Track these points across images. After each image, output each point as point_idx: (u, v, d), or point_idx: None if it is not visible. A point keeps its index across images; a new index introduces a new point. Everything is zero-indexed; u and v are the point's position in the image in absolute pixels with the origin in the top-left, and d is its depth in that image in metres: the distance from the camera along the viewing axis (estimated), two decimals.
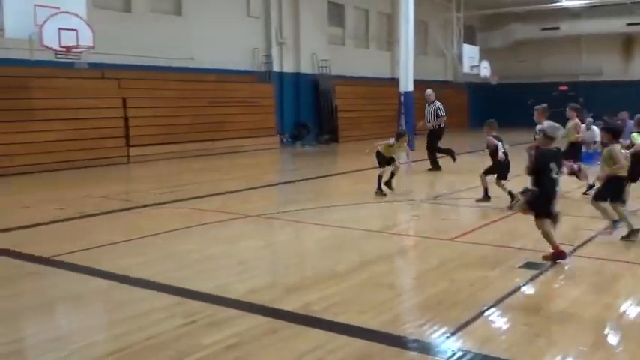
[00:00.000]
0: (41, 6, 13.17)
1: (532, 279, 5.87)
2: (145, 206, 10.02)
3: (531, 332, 4.54)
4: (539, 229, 6.35)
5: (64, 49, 13.64)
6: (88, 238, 7.77)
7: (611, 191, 7.26)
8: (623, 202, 7.49)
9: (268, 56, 22.38)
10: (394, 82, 23.28)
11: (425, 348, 4.30)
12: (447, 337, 4.44)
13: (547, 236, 6.35)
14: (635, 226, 7.22)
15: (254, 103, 20.79)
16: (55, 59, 14.03)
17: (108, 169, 15.20)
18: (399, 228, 8.57)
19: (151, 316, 4.91)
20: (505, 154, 9.58)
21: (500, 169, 9.62)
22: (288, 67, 23.30)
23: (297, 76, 23.54)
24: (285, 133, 22.90)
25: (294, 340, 4.43)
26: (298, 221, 8.78)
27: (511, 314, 5.00)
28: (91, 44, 14.16)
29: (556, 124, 6.78)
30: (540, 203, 6.31)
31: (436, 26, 31.89)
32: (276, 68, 22.68)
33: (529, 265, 6.23)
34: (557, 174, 6.38)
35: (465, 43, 31.03)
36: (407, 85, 20.05)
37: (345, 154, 20.23)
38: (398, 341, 4.38)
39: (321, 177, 13.77)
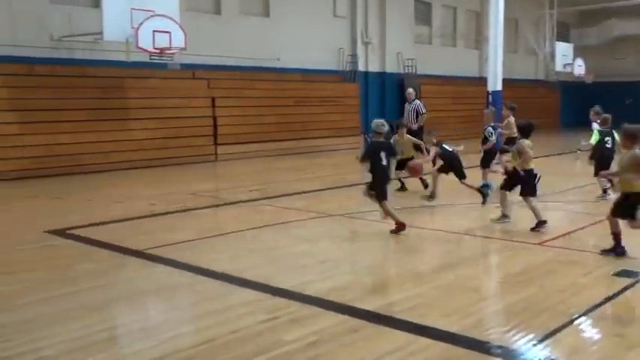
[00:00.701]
0: (137, 9, 13.76)
1: (626, 288, 5.57)
2: (231, 203, 10.27)
3: (624, 344, 4.30)
4: (383, 209, 7.77)
5: (157, 51, 14.19)
6: (177, 233, 8.04)
7: (527, 185, 7.89)
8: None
9: (354, 56, 22.41)
10: (482, 81, 22.71)
11: (510, 355, 4.17)
12: (534, 345, 4.29)
13: (389, 214, 7.70)
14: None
15: (339, 103, 20.87)
16: (149, 60, 14.61)
17: (196, 167, 15.68)
18: (485, 231, 8.35)
19: (234, 310, 5.02)
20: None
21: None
22: (374, 67, 23.22)
23: (382, 76, 23.43)
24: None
25: (374, 340, 4.41)
26: (381, 221, 8.72)
27: (603, 324, 4.77)
28: (183, 45, 14.65)
29: (382, 121, 8.11)
30: (376, 187, 7.71)
31: (527, 23, 30.87)
32: (361, 68, 22.66)
33: (624, 273, 5.93)
34: (386, 162, 7.74)
35: (557, 40, 29.87)
36: (495, 84, 19.49)
37: None
38: (481, 347, 4.27)
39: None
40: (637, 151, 6.41)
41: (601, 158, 10.13)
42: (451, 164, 10.03)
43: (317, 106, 20.05)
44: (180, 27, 14.54)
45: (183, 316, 5.23)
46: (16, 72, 14.23)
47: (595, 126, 11.10)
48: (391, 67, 23.53)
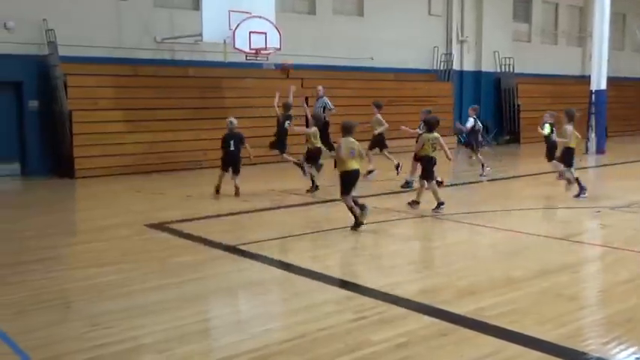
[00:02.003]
0: (235, 11, 14.15)
1: None
2: (322, 202, 10.35)
3: None
4: (219, 176, 10.89)
5: (253, 52, 14.52)
6: (269, 229, 8.20)
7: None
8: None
9: (448, 54, 22.03)
10: (585, 79, 21.72)
11: None
12: (637, 359, 4.05)
13: (219, 180, 10.91)
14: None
15: (433, 102, 20.55)
16: (246, 61, 14.98)
17: (289, 165, 15.90)
18: (584, 236, 7.98)
19: (323, 308, 5.06)
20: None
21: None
22: (469, 66, 22.74)
23: (477, 75, 22.90)
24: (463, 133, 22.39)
25: (464, 345, 4.31)
26: (473, 223, 8.53)
27: None
28: (278, 46, 14.91)
29: (232, 119, 11.18)
30: (223, 163, 10.92)
31: (636, 18, 29.18)
32: (456, 67, 22.24)
33: None
34: (234, 147, 10.75)
35: None
36: (599, 83, 18.60)
37: (526, 157, 19.28)
38: (578, 358, 4.08)
39: (499, 179, 13.26)
40: (349, 139, 8.11)
41: (551, 146, 11.68)
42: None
43: (410, 106, 19.82)
44: (276, 28, 14.81)
45: (273, 311, 5.32)
46: (122, 73, 15.01)
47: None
48: (487, 66, 22.96)
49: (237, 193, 10.75)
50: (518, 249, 7.19)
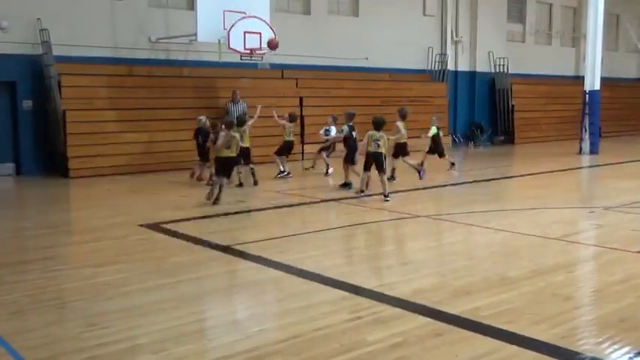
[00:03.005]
0: (229, 11, 14.14)
1: None
2: (318, 202, 10.36)
3: None
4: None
5: (248, 52, 14.51)
6: (264, 229, 8.21)
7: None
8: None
9: (443, 55, 22.08)
10: (579, 80, 21.80)
11: None
12: (630, 359, 4.08)
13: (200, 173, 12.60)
14: None
15: (427, 103, 20.60)
16: (240, 61, 14.97)
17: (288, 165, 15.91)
18: (579, 237, 8.01)
19: (318, 308, 5.07)
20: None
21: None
22: (464, 66, 22.82)
23: (472, 75, 22.97)
24: (458, 133, 22.46)
25: (459, 345, 4.33)
26: (469, 224, 8.56)
27: None
28: None
29: (202, 117, 12.78)
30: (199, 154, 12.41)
31: (629, 19, 29.31)
32: (450, 67, 22.30)
33: None
34: (201, 140, 12.19)
35: None
36: (593, 83, 18.67)
37: (521, 157, 19.35)
38: (572, 357, 4.11)
39: (495, 179, 13.29)
40: (229, 133, 10.03)
41: (435, 145, 14.16)
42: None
43: (405, 106, 19.86)
44: (271, 28, 14.80)
45: (269, 311, 5.33)
46: (117, 72, 14.99)
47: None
48: (482, 67, 23.04)
49: (200, 178, 12.36)
50: (513, 249, 7.22)
